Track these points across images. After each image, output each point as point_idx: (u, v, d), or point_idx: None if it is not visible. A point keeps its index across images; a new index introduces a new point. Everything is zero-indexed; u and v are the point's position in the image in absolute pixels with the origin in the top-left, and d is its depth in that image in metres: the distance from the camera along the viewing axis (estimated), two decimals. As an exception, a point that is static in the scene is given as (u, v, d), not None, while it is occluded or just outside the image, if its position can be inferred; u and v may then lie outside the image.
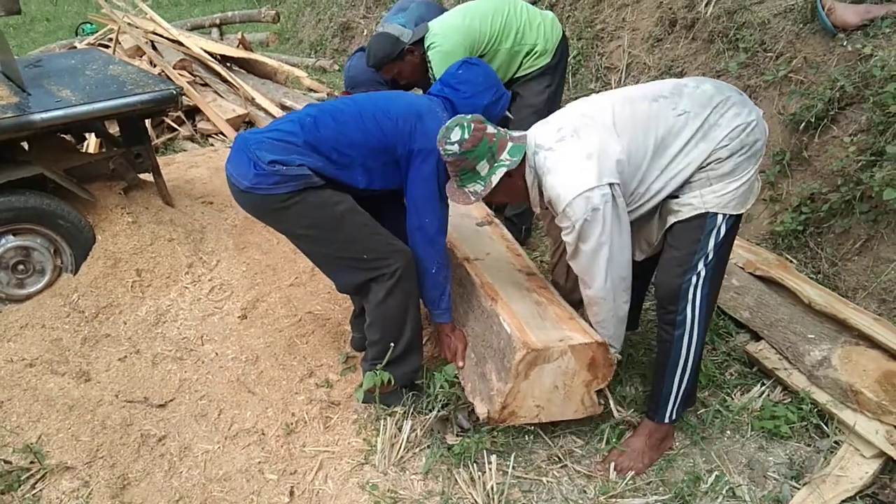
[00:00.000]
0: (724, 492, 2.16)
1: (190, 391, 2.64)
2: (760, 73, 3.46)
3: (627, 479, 2.21)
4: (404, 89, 3.19)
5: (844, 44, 3.08)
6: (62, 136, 3.59)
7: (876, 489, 2.14)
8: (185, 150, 5.18)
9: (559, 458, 2.32)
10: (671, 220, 2.09)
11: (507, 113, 2.52)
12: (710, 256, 2.05)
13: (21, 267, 2.94)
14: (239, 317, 3.02)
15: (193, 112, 5.49)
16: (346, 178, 2.23)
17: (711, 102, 1.98)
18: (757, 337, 2.73)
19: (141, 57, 5.87)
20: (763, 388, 2.55)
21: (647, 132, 1.98)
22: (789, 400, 2.47)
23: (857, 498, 2.10)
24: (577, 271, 2.14)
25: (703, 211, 2.01)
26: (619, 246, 2.03)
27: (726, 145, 1.95)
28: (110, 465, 2.27)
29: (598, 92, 2.41)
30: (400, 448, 2.31)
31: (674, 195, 2.07)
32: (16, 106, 2.91)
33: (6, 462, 2.24)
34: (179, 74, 5.50)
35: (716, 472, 2.24)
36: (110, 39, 6.22)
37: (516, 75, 3.16)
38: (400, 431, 2.36)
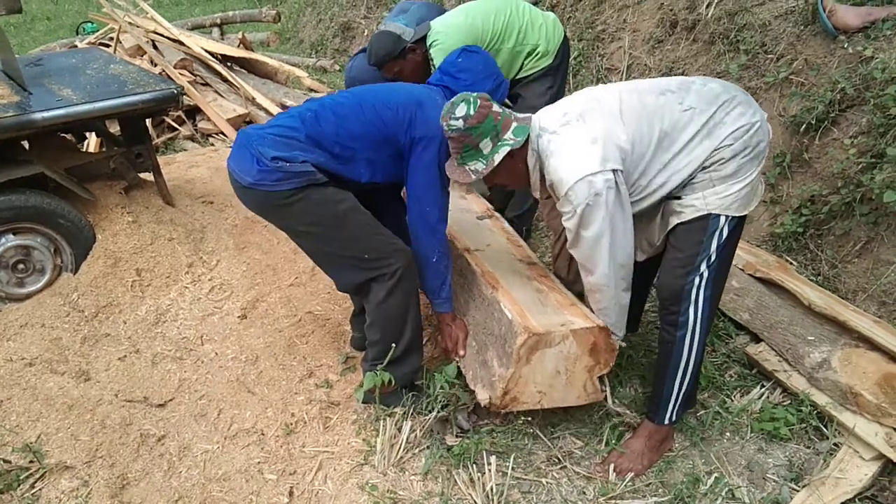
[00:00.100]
0: (723, 493, 2.16)
1: (189, 391, 2.64)
2: (761, 75, 3.46)
3: (627, 480, 2.21)
4: (405, 89, 3.18)
5: (845, 46, 3.08)
6: (63, 135, 3.59)
7: (875, 491, 2.14)
8: (185, 150, 5.18)
9: (559, 459, 2.32)
10: (674, 221, 2.08)
11: (506, 102, 2.51)
12: (713, 258, 2.05)
13: (21, 266, 2.94)
14: (239, 317, 3.02)
15: (194, 112, 5.49)
16: (348, 173, 2.22)
17: (717, 100, 1.98)
18: (757, 339, 2.73)
19: (142, 56, 5.87)
20: (763, 389, 2.55)
21: (653, 123, 1.98)
22: (789, 402, 2.47)
23: (857, 500, 2.10)
24: (578, 259, 2.13)
25: (705, 212, 2.01)
26: (622, 232, 2.02)
27: (730, 145, 1.95)
28: (109, 465, 2.27)
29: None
30: (399, 449, 2.31)
31: (676, 196, 2.07)
32: (17, 105, 2.91)
33: (5, 461, 2.24)
34: (180, 74, 5.50)
35: (715, 474, 2.24)
36: (111, 38, 6.22)
37: (518, 76, 3.15)
38: (399, 432, 2.36)
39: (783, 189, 3.23)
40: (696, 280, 2.07)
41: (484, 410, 2.52)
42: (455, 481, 2.22)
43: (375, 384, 2.28)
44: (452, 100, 2.06)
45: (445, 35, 2.96)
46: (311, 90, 6.10)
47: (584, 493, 2.20)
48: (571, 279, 2.51)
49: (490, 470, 2.20)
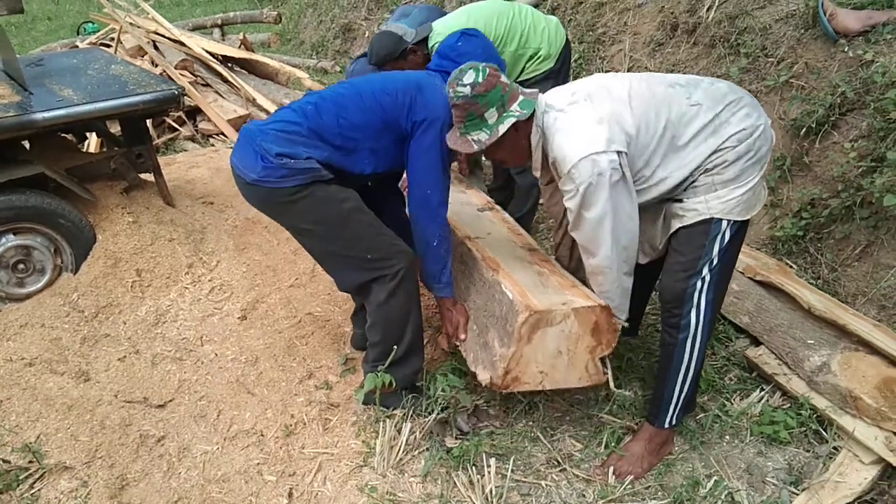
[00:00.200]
0: (722, 497, 2.16)
1: (189, 392, 2.64)
2: (762, 79, 3.46)
3: (626, 483, 2.21)
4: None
5: (846, 49, 3.09)
6: (63, 135, 3.59)
7: (874, 495, 2.14)
8: (185, 151, 5.19)
9: (558, 461, 2.32)
10: (676, 224, 2.09)
11: None
12: (715, 262, 2.05)
13: (21, 266, 2.94)
14: (239, 318, 3.01)
15: (194, 112, 5.50)
16: (352, 166, 2.22)
17: (725, 100, 1.98)
18: (756, 342, 2.73)
19: (142, 57, 5.88)
20: (762, 393, 2.55)
21: (660, 113, 1.97)
22: (788, 405, 2.47)
23: (856, 504, 2.10)
24: (580, 241, 2.10)
25: (707, 216, 2.01)
26: (625, 215, 1.99)
27: (733, 146, 1.95)
28: (109, 466, 2.27)
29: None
30: (399, 450, 2.31)
31: (678, 198, 2.07)
32: (18, 105, 2.91)
33: (5, 461, 2.23)
34: (181, 74, 5.50)
35: (715, 477, 2.24)
36: (112, 39, 6.24)
37: (519, 79, 3.16)
38: (399, 434, 2.36)
39: (783, 192, 3.23)
40: (699, 284, 2.07)
41: (484, 413, 2.53)
42: (454, 483, 2.22)
43: (376, 385, 2.28)
44: (461, 67, 2.03)
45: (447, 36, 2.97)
46: (312, 91, 6.10)
47: (584, 495, 2.20)
48: (573, 266, 2.48)
49: (489, 472, 2.20)
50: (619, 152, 1.92)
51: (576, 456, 2.35)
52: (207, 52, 5.91)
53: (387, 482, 2.24)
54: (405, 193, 2.49)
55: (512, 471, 2.25)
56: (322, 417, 2.51)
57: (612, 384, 2.25)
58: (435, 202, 2.24)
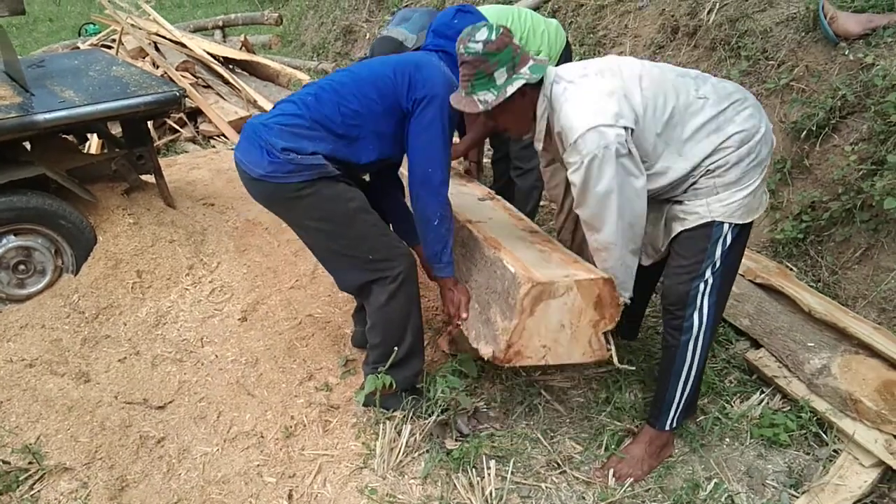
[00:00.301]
0: (722, 499, 2.16)
1: (189, 393, 2.63)
2: (762, 82, 3.47)
3: (626, 486, 2.21)
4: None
5: (846, 53, 3.09)
6: (64, 136, 3.60)
7: (874, 498, 2.14)
8: (186, 152, 5.19)
9: (558, 463, 2.32)
10: (677, 227, 2.09)
11: None
12: (718, 265, 2.05)
13: (22, 267, 2.94)
14: (239, 319, 3.02)
15: (195, 114, 5.50)
16: (357, 156, 2.21)
17: (730, 98, 1.98)
18: (757, 344, 2.73)
19: (143, 58, 5.89)
20: (762, 395, 2.55)
21: (668, 98, 1.96)
22: (788, 408, 2.47)
23: (856, 507, 2.10)
24: (584, 217, 2.06)
25: (709, 220, 2.02)
26: (632, 191, 1.95)
27: (735, 146, 1.95)
28: (109, 467, 2.27)
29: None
30: (399, 452, 2.31)
31: (678, 200, 2.07)
32: (19, 106, 2.92)
33: (5, 462, 2.23)
34: (182, 76, 5.51)
35: (714, 480, 2.24)
36: (113, 40, 6.25)
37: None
38: (399, 435, 2.36)
39: (784, 195, 3.23)
40: (701, 286, 2.07)
41: (484, 415, 2.53)
42: (454, 485, 2.22)
43: (377, 387, 2.28)
44: (474, 24, 2.01)
45: None
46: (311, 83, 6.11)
47: (584, 498, 2.20)
48: (576, 249, 2.46)
49: (489, 474, 2.20)
50: (626, 128, 1.89)
51: (576, 458, 2.35)
52: (208, 53, 5.92)
53: (387, 484, 2.24)
54: (405, 182, 2.48)
55: (512, 473, 2.25)
56: (322, 419, 2.51)
57: (615, 359, 2.21)
58: (437, 181, 2.20)
